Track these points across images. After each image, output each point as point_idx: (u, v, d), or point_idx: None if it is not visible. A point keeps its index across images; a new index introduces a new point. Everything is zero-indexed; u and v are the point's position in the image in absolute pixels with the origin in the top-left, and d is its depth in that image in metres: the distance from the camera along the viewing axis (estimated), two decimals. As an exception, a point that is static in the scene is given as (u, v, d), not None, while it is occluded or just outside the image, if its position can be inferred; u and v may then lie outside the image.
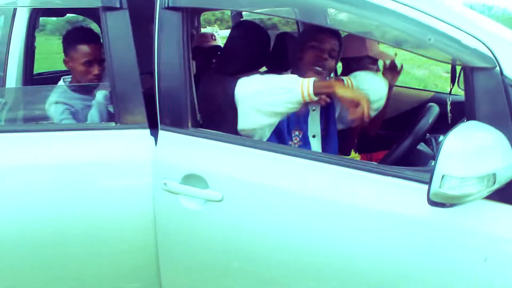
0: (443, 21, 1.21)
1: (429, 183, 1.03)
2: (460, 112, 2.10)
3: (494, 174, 1.01)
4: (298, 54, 1.71)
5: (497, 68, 1.16)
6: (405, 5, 1.23)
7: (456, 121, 2.02)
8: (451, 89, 2.09)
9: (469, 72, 1.19)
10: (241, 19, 2.87)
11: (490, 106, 1.16)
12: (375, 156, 2.43)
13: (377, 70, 2.27)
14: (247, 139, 1.44)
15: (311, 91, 1.44)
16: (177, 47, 1.46)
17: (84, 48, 1.87)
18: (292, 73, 1.70)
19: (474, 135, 1.04)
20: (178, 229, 1.51)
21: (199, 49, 2.47)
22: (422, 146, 1.61)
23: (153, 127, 1.53)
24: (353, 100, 1.40)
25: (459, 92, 2.69)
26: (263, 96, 1.52)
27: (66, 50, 1.91)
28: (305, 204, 1.32)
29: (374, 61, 2.26)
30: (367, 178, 1.26)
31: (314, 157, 1.34)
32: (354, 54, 2.23)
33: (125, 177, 1.51)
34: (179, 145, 1.48)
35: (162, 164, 1.48)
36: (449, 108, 1.95)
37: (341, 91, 1.43)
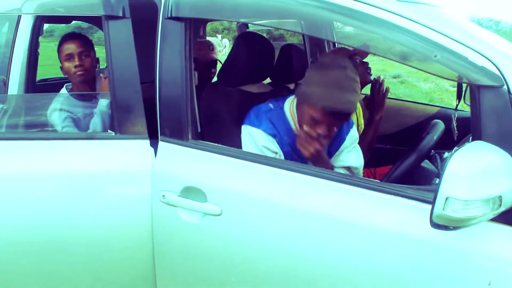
0: (449, 37, 1.19)
1: (432, 204, 1.00)
2: (466, 128, 2.08)
3: (500, 197, 0.97)
4: (297, 104, 1.54)
5: (505, 86, 1.13)
6: (411, 20, 1.20)
7: (462, 137, 1.99)
8: (457, 104, 2.06)
9: (476, 90, 1.16)
10: (246, 30, 2.86)
11: (496, 126, 1.13)
12: (379, 171, 2.39)
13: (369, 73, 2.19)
14: (248, 153, 1.42)
15: None
16: (179, 57, 1.44)
17: (63, 47, 1.92)
18: (295, 86, 1.66)
19: (479, 156, 1.01)
20: (175, 241, 1.49)
21: (196, 60, 2.41)
22: (426, 163, 1.58)
23: (153, 138, 1.50)
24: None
25: (465, 107, 2.67)
26: None
27: (58, 57, 1.94)
28: (305, 220, 1.29)
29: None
30: (368, 196, 1.23)
31: (316, 173, 1.31)
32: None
33: (123, 188, 1.49)
34: (178, 157, 1.46)
35: (161, 175, 1.45)
36: (455, 124, 1.92)
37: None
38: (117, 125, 1.49)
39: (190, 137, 1.46)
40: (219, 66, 2.59)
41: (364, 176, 2.39)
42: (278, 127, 1.55)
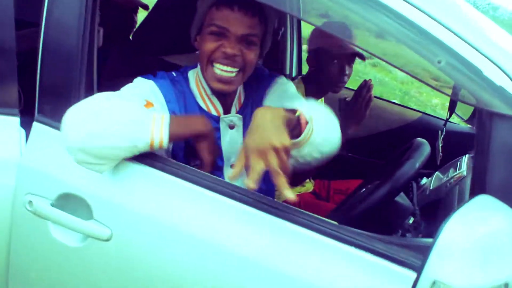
0: (460, 38, 1.01)
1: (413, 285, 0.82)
2: (453, 146, 1.97)
3: (507, 284, 0.81)
4: (196, 37, 1.35)
5: (526, 119, 0.97)
6: (414, 5, 1.01)
7: (445, 158, 1.86)
8: (447, 119, 1.93)
9: (487, 117, 0.99)
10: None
11: (508, 172, 0.97)
12: (333, 186, 2.25)
13: (349, 76, 2.04)
14: (158, 157, 1.18)
15: (165, 140, 1.11)
16: (75, 1, 1.18)
17: None
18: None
19: (483, 222, 0.84)
20: (41, 262, 1.26)
21: (111, 2, 2.07)
22: (399, 196, 1.42)
23: (27, 115, 1.24)
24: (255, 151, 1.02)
25: (452, 118, 2.56)
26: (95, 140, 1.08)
27: None
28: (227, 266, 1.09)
29: (352, 59, 2.03)
30: (311, 240, 1.05)
31: (241, 197, 1.10)
32: (329, 44, 1.98)
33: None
34: (58, 147, 1.20)
35: (30, 172, 1.20)
36: (440, 143, 1.78)
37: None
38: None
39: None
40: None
41: (315, 190, 2.24)
42: (177, 96, 1.32)
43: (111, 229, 1.14)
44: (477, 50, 1.00)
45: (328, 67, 1.97)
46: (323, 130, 1.20)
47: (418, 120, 2.39)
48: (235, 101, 1.39)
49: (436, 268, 0.80)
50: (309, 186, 2.17)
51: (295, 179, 2.01)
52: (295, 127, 1.14)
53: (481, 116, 1.01)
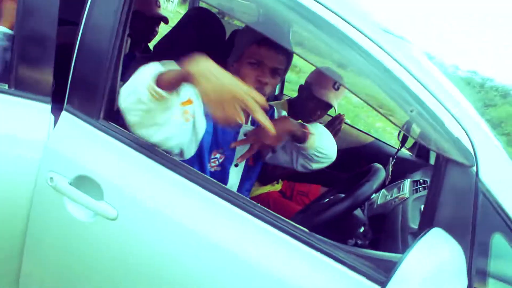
0: (429, 91, 0.98)
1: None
2: (397, 169, 1.96)
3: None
4: (233, 64, 1.34)
5: (474, 168, 0.95)
6: (397, 61, 0.97)
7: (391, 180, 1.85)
8: (398, 149, 1.91)
9: (443, 162, 0.97)
10: (198, 5, 2.49)
11: (454, 209, 0.94)
12: (297, 187, 2.21)
13: (319, 117, 2.01)
14: (163, 154, 1.12)
15: (152, 83, 0.96)
16: (114, 11, 1.10)
17: None
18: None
19: (436, 253, 0.82)
20: (54, 232, 1.17)
21: (138, 15, 1.99)
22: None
23: (58, 103, 1.16)
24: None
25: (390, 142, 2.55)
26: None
27: None
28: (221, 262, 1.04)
29: (327, 108, 2.00)
30: (289, 246, 1.01)
31: (236, 201, 1.06)
32: (317, 91, 1.94)
33: (4, 153, 1.13)
34: (81, 136, 1.13)
35: (55, 153, 1.12)
36: (390, 168, 1.76)
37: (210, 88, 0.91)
38: (13, 76, 1.13)
39: (101, 115, 1.14)
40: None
41: (282, 189, 2.20)
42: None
43: (117, 210, 1.08)
44: (441, 103, 0.98)
45: (307, 101, 1.94)
46: (322, 139, 1.39)
47: (371, 144, 2.37)
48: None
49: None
50: (277, 186, 2.13)
51: (268, 179, 1.98)
52: (302, 135, 1.33)
53: (438, 159, 0.98)
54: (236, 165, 1.40)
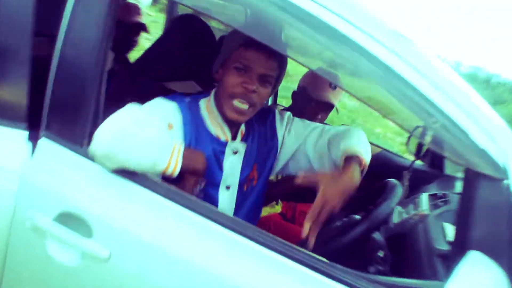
0: (453, 101, 1.00)
1: None
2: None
3: None
4: (219, 69, 1.35)
5: (507, 181, 0.97)
6: (417, 71, 1.00)
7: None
8: (413, 161, 1.94)
9: (472, 176, 0.99)
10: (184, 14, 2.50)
11: (489, 227, 0.97)
12: (299, 208, 2.22)
13: (322, 120, 2.05)
14: (159, 184, 1.12)
15: (176, 171, 1.15)
16: (97, 23, 1.11)
17: None
18: (215, 94, 1.37)
19: (480, 279, 0.84)
20: (35, 277, 1.16)
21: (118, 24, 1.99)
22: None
23: (35, 129, 1.16)
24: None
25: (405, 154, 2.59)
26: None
27: None
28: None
29: (328, 109, 2.04)
30: (303, 275, 1.02)
31: (245, 232, 1.06)
32: (314, 93, 1.98)
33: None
34: (64, 165, 1.12)
35: (33, 186, 1.12)
36: (406, 183, 1.79)
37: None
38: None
39: (86, 141, 1.13)
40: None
41: (282, 211, 2.22)
42: (192, 120, 1.32)
43: (110, 249, 1.07)
44: (466, 113, 1.00)
45: (305, 106, 1.97)
46: (365, 147, 1.40)
47: (378, 155, 2.39)
48: (240, 130, 1.41)
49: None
50: (277, 208, 2.15)
51: (266, 199, 1.99)
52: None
53: (467, 174, 1.01)
54: (228, 188, 1.40)
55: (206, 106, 1.37)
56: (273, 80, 1.33)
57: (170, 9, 2.59)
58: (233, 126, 1.38)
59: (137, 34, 2.17)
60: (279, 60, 1.31)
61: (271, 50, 1.24)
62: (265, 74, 1.28)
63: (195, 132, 1.32)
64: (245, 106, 1.29)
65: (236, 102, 1.28)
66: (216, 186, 1.38)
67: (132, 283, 1.08)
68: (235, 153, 1.39)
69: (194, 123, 1.32)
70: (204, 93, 1.41)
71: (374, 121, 7.08)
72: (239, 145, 1.40)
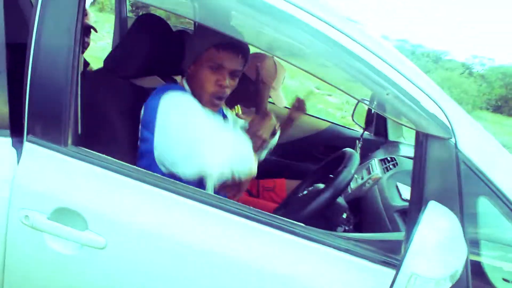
0: (402, 75, 1.13)
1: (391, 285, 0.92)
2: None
3: (457, 271, 0.94)
4: (190, 66, 1.47)
5: (453, 139, 1.11)
6: (368, 49, 1.11)
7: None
8: (363, 133, 2.08)
9: (423, 138, 1.12)
10: (145, 13, 2.50)
11: (441, 180, 1.10)
12: (262, 183, 2.33)
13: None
14: (142, 171, 1.19)
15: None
16: (67, 29, 1.14)
17: None
18: (189, 85, 1.47)
19: (440, 223, 0.97)
20: (36, 270, 1.20)
21: None
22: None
23: (18, 135, 1.18)
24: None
25: (349, 124, 2.75)
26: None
27: None
28: (216, 262, 1.13)
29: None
30: (283, 240, 1.13)
31: (232, 208, 1.15)
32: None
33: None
34: (52, 166, 1.16)
35: (25, 189, 1.15)
36: (358, 151, 1.92)
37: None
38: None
39: (70, 141, 1.17)
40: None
41: (248, 188, 2.31)
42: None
43: (105, 238, 1.13)
44: (415, 85, 1.12)
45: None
46: None
47: (328, 129, 2.53)
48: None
49: (413, 263, 0.90)
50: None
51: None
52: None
53: (418, 137, 1.13)
54: None
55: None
56: (241, 73, 1.47)
57: (119, 9, 2.60)
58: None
59: (87, 35, 2.18)
60: (246, 55, 1.45)
61: (240, 48, 1.39)
62: (235, 70, 1.43)
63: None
64: (218, 101, 1.45)
65: (211, 97, 1.43)
66: None
67: (130, 267, 1.14)
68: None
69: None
70: (170, 84, 1.51)
71: (315, 99, 7.30)
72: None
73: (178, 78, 1.67)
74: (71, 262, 1.16)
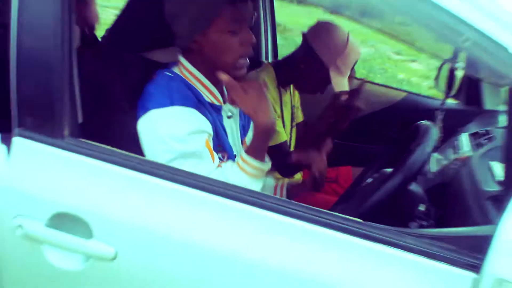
0: (484, 13, 0.96)
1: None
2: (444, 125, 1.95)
3: None
4: (197, 40, 1.30)
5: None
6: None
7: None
8: (444, 99, 1.90)
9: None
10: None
11: None
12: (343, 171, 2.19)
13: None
14: (153, 163, 1.12)
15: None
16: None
17: None
18: (194, 61, 1.35)
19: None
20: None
21: None
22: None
23: (7, 130, 1.14)
24: None
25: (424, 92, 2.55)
26: None
27: None
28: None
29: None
30: (335, 240, 1.01)
31: (263, 203, 1.05)
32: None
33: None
34: (47, 164, 1.11)
35: (16, 191, 1.11)
36: (439, 125, 1.76)
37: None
38: None
39: (67, 132, 1.11)
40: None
41: (303, 179, 2.19)
42: (193, 98, 1.32)
43: (115, 247, 1.07)
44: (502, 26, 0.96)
45: (316, 72, 1.85)
46: None
47: (404, 100, 2.36)
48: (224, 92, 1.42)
49: (498, 267, 0.77)
50: (297, 177, 2.12)
51: (292, 169, 1.96)
52: None
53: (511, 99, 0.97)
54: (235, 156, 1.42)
55: (184, 74, 1.35)
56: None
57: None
58: (219, 87, 1.39)
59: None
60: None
61: None
62: (251, 18, 1.32)
63: (203, 108, 1.32)
64: (247, 60, 1.33)
65: (241, 60, 1.31)
66: (233, 156, 1.41)
67: (145, 280, 1.09)
68: (229, 117, 1.42)
69: (195, 98, 1.32)
70: (163, 68, 1.38)
71: (395, 67, 7.01)
72: (232, 108, 1.43)
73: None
74: (76, 279, 1.11)
